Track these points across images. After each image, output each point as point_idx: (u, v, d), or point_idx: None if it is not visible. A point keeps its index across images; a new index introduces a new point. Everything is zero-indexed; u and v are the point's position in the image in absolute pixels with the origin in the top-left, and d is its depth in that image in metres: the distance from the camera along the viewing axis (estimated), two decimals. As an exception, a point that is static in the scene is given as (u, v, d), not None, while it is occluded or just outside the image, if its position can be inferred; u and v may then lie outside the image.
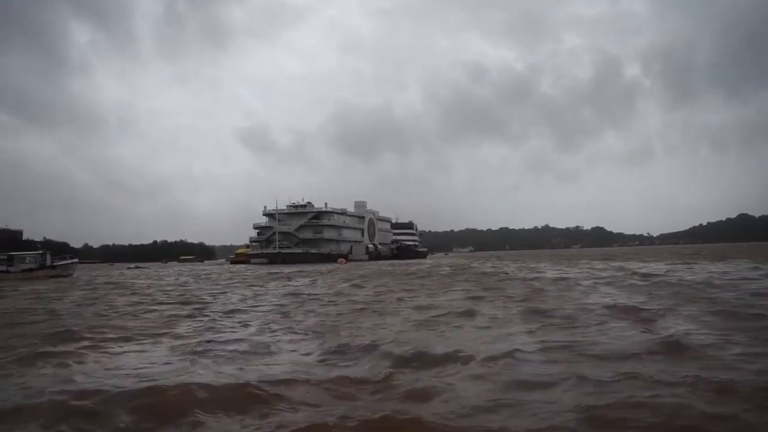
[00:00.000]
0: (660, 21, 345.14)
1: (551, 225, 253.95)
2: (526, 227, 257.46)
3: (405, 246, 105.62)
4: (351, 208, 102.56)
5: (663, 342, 6.35)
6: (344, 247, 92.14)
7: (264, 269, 51.33)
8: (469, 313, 9.96)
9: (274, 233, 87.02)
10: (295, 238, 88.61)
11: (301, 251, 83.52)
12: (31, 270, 41.13)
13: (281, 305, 12.97)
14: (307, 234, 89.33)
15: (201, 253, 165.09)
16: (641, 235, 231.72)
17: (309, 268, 46.21)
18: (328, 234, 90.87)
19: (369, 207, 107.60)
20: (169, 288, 22.20)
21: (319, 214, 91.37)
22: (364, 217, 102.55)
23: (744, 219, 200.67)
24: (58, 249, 66.81)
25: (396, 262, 72.88)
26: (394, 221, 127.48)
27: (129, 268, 76.38)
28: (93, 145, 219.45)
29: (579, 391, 4.57)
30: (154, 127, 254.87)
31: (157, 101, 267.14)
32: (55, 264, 44.08)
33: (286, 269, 46.59)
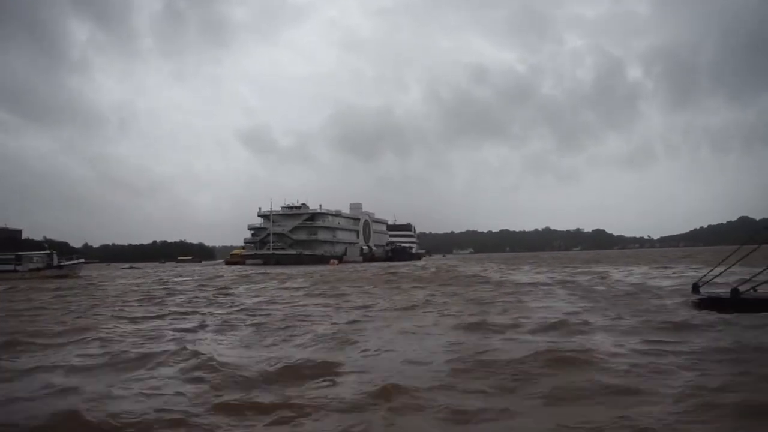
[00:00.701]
0: (662, 22, 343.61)
1: (552, 227, 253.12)
2: (527, 229, 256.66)
3: (400, 248, 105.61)
4: (349, 210, 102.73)
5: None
6: (339, 249, 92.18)
7: (255, 269, 51.64)
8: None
9: (269, 234, 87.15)
10: (290, 240, 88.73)
11: (294, 252, 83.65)
12: (38, 269, 41.88)
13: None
14: (302, 235, 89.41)
15: (200, 253, 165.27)
16: (642, 238, 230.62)
17: (295, 270, 46.31)
18: (322, 235, 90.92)
19: (367, 208, 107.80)
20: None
21: (314, 216, 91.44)
22: (359, 219, 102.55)
23: (745, 222, 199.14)
24: (59, 248, 67.62)
25: (388, 264, 73.08)
26: (392, 223, 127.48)
27: (123, 268, 76.80)
28: (93, 143, 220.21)
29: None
30: (154, 126, 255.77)
31: (157, 99, 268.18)
32: (62, 264, 44.79)
33: (274, 270, 46.86)
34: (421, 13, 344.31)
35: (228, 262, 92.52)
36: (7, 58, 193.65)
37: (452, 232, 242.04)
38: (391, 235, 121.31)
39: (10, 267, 40.99)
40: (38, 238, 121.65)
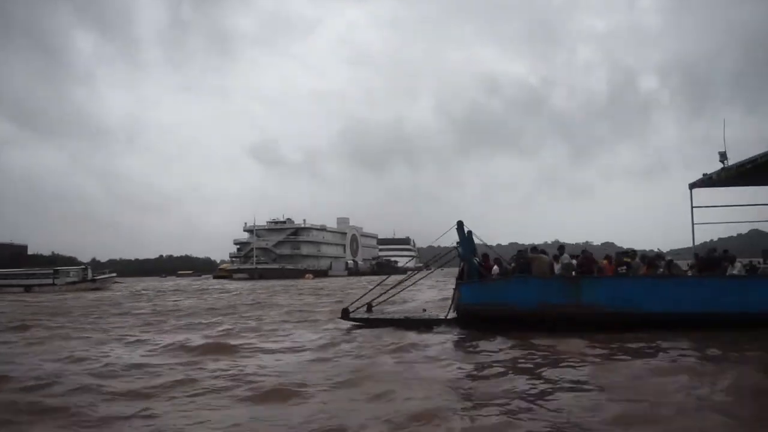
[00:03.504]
0: (677, 33, 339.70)
1: (561, 240, 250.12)
2: (536, 242, 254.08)
3: (385, 262, 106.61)
4: (336, 224, 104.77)
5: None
6: (324, 263, 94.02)
7: (239, 284, 53.68)
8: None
9: (252, 249, 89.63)
10: (274, 254, 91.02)
11: (277, 267, 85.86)
12: (74, 283, 45.56)
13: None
14: (285, 250, 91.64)
15: (205, 268, 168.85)
16: (651, 251, 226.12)
17: (268, 283, 48.70)
18: (306, 250, 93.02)
19: (375, 222, 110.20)
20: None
21: (298, 231, 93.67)
22: (345, 233, 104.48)
23: (755, 234, 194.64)
24: (67, 263, 71.96)
25: (368, 278, 74.58)
26: (392, 237, 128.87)
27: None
28: (100, 157, 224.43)
29: None
30: (161, 139, 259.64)
31: (163, 112, 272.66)
32: (96, 278, 48.93)
33: (242, 285, 49.63)
34: (431, 26, 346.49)
35: (216, 277, 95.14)
36: (11, 69, 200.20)
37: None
38: (387, 249, 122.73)
39: (49, 281, 44.97)
40: (46, 252, 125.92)
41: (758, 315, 9.88)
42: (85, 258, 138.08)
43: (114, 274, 55.59)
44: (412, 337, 10.44)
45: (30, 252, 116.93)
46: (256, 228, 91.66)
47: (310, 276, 79.48)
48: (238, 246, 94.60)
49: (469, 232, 11.93)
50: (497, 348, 9.12)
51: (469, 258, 11.77)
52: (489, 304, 11.01)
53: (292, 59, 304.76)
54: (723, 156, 12.31)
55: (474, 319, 11.16)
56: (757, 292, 10.21)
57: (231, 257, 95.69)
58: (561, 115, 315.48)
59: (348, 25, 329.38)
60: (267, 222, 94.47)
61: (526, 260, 11.44)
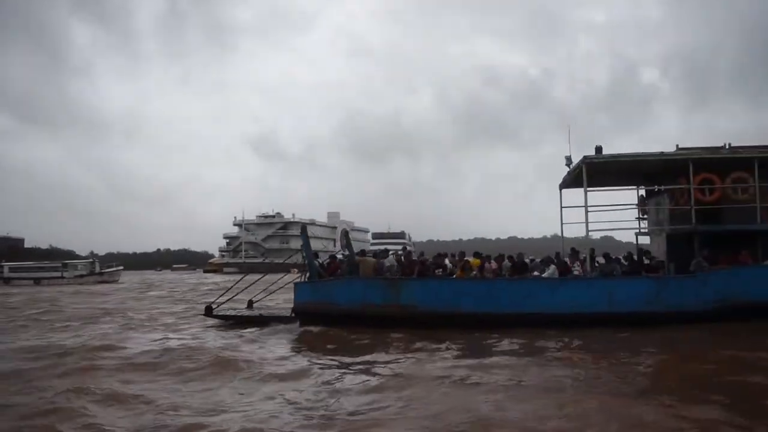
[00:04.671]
0: (678, 25, 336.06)
1: (560, 234, 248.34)
2: (536, 236, 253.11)
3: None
4: (327, 218, 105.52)
5: None
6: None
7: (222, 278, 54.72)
8: None
9: (241, 243, 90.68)
10: (262, 248, 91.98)
11: (266, 261, 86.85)
12: (82, 276, 47.16)
13: None
14: (274, 244, 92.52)
15: (202, 261, 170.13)
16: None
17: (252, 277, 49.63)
18: (295, 244, 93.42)
19: (374, 215, 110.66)
20: None
21: (287, 225, 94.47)
22: (335, 228, 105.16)
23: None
24: (65, 256, 73.76)
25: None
26: (387, 231, 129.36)
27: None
28: (98, 149, 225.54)
29: None
30: (159, 132, 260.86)
31: (162, 104, 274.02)
32: (103, 271, 50.33)
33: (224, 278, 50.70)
34: (430, 18, 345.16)
35: (206, 271, 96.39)
36: (8, 60, 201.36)
37: (460, 239, 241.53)
38: (382, 243, 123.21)
39: (58, 274, 46.75)
40: (44, 245, 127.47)
41: (558, 315, 10.41)
42: (83, 251, 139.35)
43: (121, 267, 56.74)
44: (247, 333, 11.32)
45: (28, 245, 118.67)
46: (245, 222, 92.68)
47: (296, 270, 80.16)
48: (227, 240, 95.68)
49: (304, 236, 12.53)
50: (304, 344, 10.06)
51: (310, 260, 12.35)
52: (319, 303, 11.61)
53: (291, 51, 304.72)
54: (568, 160, 12.71)
55: (307, 316, 11.78)
56: (555, 295, 10.71)
57: (221, 251, 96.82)
58: (561, 107, 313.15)
59: (347, 17, 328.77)
60: (256, 216, 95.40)
61: (355, 262, 12.01)
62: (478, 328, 10.37)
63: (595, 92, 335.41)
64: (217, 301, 13.67)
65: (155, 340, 10.77)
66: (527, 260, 13.42)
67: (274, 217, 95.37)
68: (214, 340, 10.78)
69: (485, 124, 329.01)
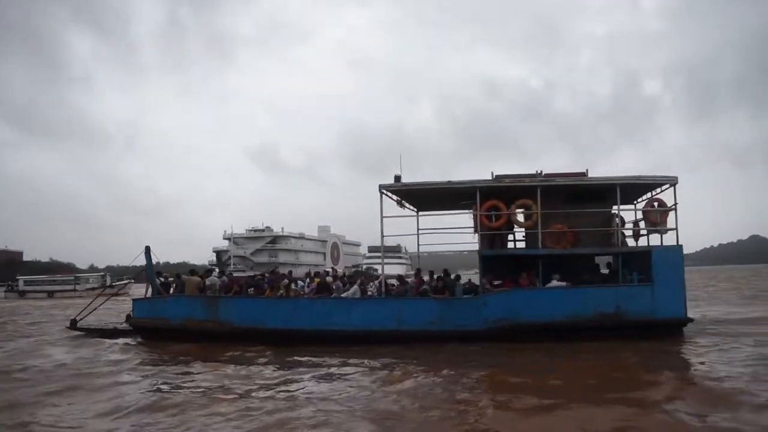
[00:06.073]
0: (681, 35, 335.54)
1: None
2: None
3: (365, 270, 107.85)
4: (317, 232, 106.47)
5: None
6: (302, 271, 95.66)
7: None
8: None
9: (230, 257, 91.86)
10: (251, 262, 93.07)
11: (255, 274, 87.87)
12: (93, 289, 48.14)
13: None
14: (263, 258, 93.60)
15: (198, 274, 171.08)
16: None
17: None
18: (283, 258, 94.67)
19: (372, 228, 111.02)
20: None
21: (276, 239, 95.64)
22: (326, 241, 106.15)
23: (755, 241, 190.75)
24: (65, 269, 75.30)
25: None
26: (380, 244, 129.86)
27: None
28: (99, 161, 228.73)
29: None
30: (159, 143, 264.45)
31: (162, 117, 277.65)
32: (114, 284, 50.48)
33: None
34: (431, 29, 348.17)
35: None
36: (8, 72, 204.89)
37: (461, 253, 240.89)
38: (376, 258, 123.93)
39: (71, 287, 49.08)
40: (44, 258, 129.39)
41: (354, 332, 11.25)
42: (83, 264, 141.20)
43: (131, 280, 58.62)
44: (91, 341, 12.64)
45: (27, 258, 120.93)
46: (234, 236, 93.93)
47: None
48: (216, 253, 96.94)
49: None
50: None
51: (152, 279, 13.30)
52: (151, 319, 12.59)
53: (291, 63, 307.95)
54: (396, 179, 13.01)
55: (141, 330, 12.76)
56: (352, 313, 11.55)
57: (209, 264, 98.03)
58: (563, 118, 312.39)
59: (347, 29, 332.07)
60: (246, 230, 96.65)
61: (182, 282, 12.95)
62: (285, 344, 11.25)
63: (597, 103, 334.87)
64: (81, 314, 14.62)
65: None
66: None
67: (263, 231, 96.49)
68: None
69: (486, 135, 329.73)
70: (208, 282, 12.75)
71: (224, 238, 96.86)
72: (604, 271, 13.42)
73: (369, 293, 12.06)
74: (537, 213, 11.55)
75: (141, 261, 13.46)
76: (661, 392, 7.13)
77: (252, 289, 12.60)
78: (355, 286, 12.09)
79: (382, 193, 12.10)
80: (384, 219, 12.06)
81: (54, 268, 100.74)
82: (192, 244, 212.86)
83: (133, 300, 13.40)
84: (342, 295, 12.01)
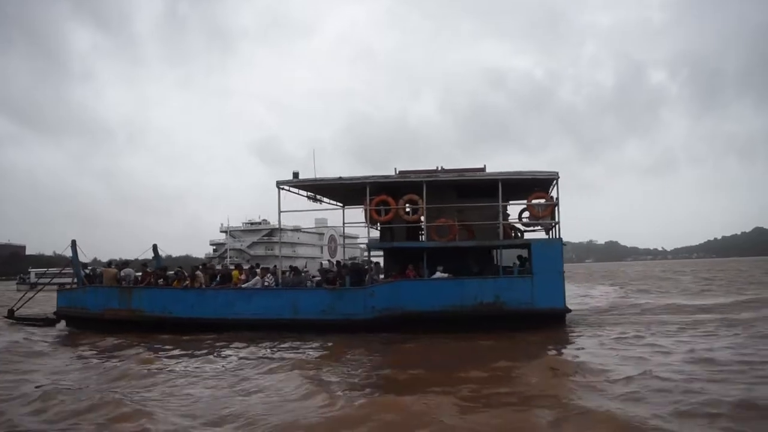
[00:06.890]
0: (686, 26, 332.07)
1: (565, 239, 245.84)
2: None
3: (362, 263, 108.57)
4: (315, 225, 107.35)
5: None
6: (299, 264, 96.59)
7: None
8: None
9: (227, 250, 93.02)
10: (248, 255, 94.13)
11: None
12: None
13: None
14: (259, 251, 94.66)
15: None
16: (655, 250, 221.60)
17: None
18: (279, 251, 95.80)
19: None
20: None
21: (272, 231, 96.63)
22: (323, 234, 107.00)
23: (758, 232, 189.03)
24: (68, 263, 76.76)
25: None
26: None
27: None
28: (101, 155, 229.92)
29: None
30: (162, 138, 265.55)
31: (164, 111, 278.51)
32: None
33: None
34: (434, 22, 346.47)
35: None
36: (10, 66, 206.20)
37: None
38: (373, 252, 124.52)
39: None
40: (47, 252, 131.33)
41: (252, 321, 12.01)
42: (86, 258, 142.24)
43: (140, 274, 60.59)
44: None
45: (29, 252, 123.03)
46: (231, 229, 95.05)
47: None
48: (214, 247, 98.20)
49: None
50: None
51: (77, 270, 14.14)
52: (73, 308, 13.46)
53: (294, 57, 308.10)
54: (294, 176, 13.38)
55: (64, 319, 13.66)
56: (250, 303, 12.30)
57: (207, 258, 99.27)
58: (567, 109, 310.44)
59: (350, 22, 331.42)
60: (242, 223, 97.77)
61: (99, 273, 13.78)
62: (190, 331, 12.03)
63: (602, 95, 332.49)
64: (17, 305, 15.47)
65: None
66: None
67: (260, 224, 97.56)
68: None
69: (490, 127, 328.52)
70: (123, 273, 13.55)
71: (221, 231, 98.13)
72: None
73: (266, 284, 12.76)
74: (422, 207, 12.21)
75: (148, 255, 14.74)
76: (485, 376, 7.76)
77: (162, 280, 13.38)
78: (257, 278, 12.81)
79: (279, 188, 12.81)
80: (282, 213, 12.80)
81: (58, 261, 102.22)
82: (195, 238, 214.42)
83: (57, 291, 14.26)
84: (242, 286, 12.75)
